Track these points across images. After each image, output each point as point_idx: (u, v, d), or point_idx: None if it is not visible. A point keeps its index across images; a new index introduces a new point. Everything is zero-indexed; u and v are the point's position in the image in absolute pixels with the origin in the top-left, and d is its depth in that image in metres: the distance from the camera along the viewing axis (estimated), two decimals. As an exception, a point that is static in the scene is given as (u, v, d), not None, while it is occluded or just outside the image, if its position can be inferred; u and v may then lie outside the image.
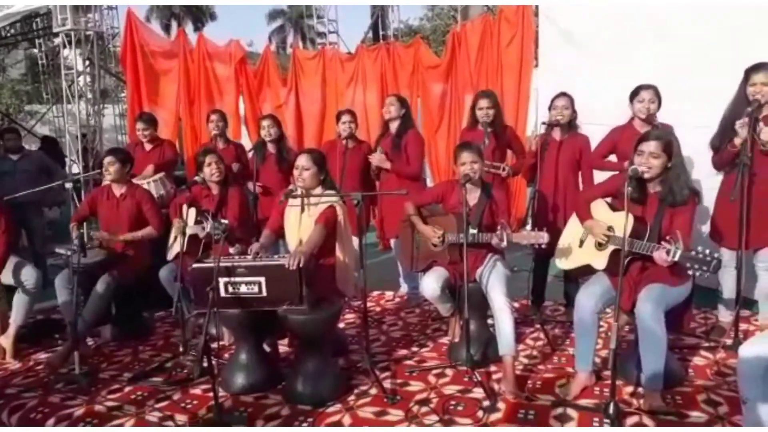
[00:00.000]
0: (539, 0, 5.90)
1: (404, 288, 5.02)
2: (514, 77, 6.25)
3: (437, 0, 19.35)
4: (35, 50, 15.22)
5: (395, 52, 6.99)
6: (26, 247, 5.67)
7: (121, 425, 2.96)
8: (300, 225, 3.48)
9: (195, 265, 3.22)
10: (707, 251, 2.57)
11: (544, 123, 4.07)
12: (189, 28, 28.96)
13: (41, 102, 16.25)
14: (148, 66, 7.34)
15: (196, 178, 4.04)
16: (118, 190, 4.19)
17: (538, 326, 3.99)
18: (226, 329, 3.88)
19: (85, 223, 4.28)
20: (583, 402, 2.97)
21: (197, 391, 3.30)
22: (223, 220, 3.47)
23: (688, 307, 3.09)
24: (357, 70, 7.18)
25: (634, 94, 3.86)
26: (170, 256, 4.17)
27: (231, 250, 3.67)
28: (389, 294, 5.07)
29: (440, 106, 6.78)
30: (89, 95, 8.29)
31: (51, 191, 5.23)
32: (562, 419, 2.83)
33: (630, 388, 3.07)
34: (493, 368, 3.41)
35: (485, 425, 2.80)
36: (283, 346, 3.80)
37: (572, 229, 3.36)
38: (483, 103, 4.24)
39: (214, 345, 3.42)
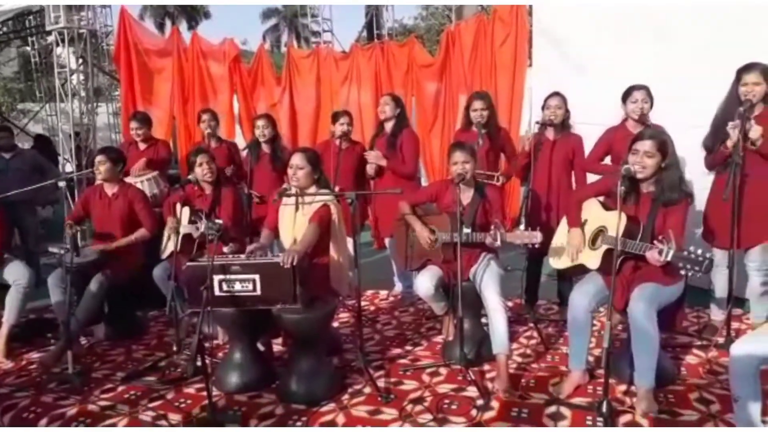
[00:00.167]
0: (533, 0, 5.92)
1: (399, 287, 5.02)
2: (507, 77, 6.28)
3: (432, 0, 19.34)
4: (28, 48, 15.11)
5: (389, 51, 7.00)
6: (19, 246, 5.64)
7: (114, 425, 2.95)
8: (294, 224, 3.48)
9: (189, 264, 3.22)
10: (699, 251, 2.58)
11: (537, 122, 4.08)
12: (183, 26, 28.92)
13: (34, 100, 16.17)
14: (142, 64, 7.32)
15: (190, 177, 4.03)
16: (110, 190, 4.18)
17: (531, 325, 4.00)
18: (220, 328, 3.88)
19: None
20: (576, 400, 2.98)
21: (191, 390, 3.29)
22: (217, 220, 3.46)
23: (680, 306, 3.10)
24: (351, 69, 7.19)
25: (627, 95, 3.87)
26: (164, 255, 4.16)
27: (225, 249, 3.67)
28: (383, 293, 5.07)
29: (434, 105, 6.80)
30: (82, 93, 8.23)
31: (44, 190, 5.20)
32: (556, 418, 2.84)
33: (623, 387, 3.08)
34: (486, 367, 3.42)
35: (479, 424, 2.81)
36: (278, 346, 3.80)
37: (565, 229, 3.37)
38: (477, 104, 4.25)
39: (208, 344, 3.41)
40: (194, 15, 31.98)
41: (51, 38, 8.68)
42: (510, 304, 4.40)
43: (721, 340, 3.51)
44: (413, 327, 4.24)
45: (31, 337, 4.17)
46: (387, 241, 4.83)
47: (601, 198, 3.22)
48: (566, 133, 4.11)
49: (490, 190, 3.57)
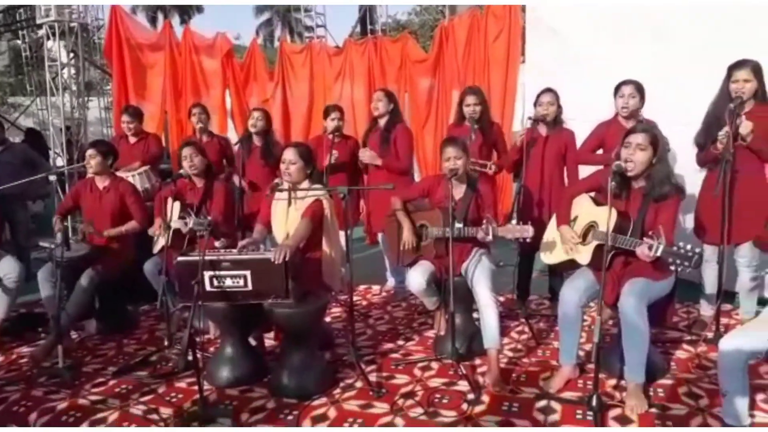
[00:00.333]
0: (527, 0, 5.92)
1: (391, 282, 5.03)
2: (500, 72, 6.28)
3: (425, 0, 19.32)
4: (19, 42, 15.00)
5: (382, 47, 6.99)
6: (9, 240, 5.61)
7: (104, 419, 2.94)
8: (287, 218, 3.47)
9: (180, 259, 3.21)
10: (688, 246, 2.59)
11: (530, 118, 4.09)
12: (176, 20, 28.72)
13: (25, 94, 16.06)
14: (135, 59, 7.27)
15: (181, 171, 4.01)
16: (101, 183, 4.16)
17: (523, 320, 4.02)
18: (211, 323, 3.87)
19: (69, 217, 4.23)
20: (566, 395, 3.00)
21: (182, 384, 3.29)
22: (206, 217, 3.46)
23: (670, 301, 3.12)
24: (344, 65, 7.17)
25: (616, 90, 3.89)
26: (155, 249, 4.15)
27: (216, 244, 3.66)
28: (376, 288, 5.08)
29: (427, 101, 6.80)
30: (73, 87, 8.18)
31: (35, 184, 5.17)
32: (546, 412, 2.85)
33: (613, 381, 3.10)
34: (477, 361, 3.43)
35: (470, 418, 2.82)
36: (270, 340, 3.80)
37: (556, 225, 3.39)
38: (470, 99, 4.25)
39: (199, 338, 3.40)
40: (187, 9, 31.80)
41: (42, 32, 8.63)
42: (501, 299, 4.39)
43: (710, 335, 3.53)
44: (405, 322, 4.25)
45: (22, 332, 4.15)
46: (380, 236, 4.83)
47: (592, 193, 3.23)
48: (558, 129, 4.13)
49: (482, 185, 3.57)
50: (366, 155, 4.57)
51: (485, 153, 4.37)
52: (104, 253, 4.01)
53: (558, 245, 3.34)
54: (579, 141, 4.13)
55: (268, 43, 29.17)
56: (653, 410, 2.81)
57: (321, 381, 3.20)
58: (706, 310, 3.88)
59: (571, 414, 2.82)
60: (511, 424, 2.76)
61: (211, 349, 3.73)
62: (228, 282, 3.14)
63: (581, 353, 3.30)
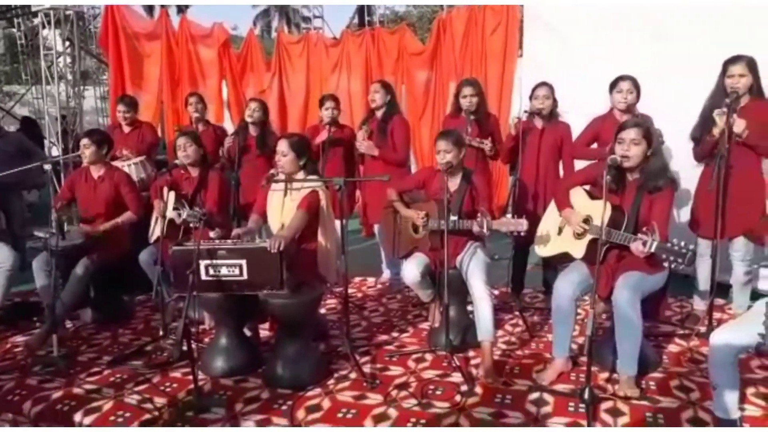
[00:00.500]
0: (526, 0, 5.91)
1: (386, 274, 5.04)
2: (498, 65, 6.29)
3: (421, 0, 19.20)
4: (14, 30, 14.87)
5: (380, 38, 6.97)
6: (4, 229, 5.58)
7: (99, 407, 2.95)
8: (283, 209, 3.47)
9: (175, 248, 3.21)
10: (683, 243, 2.61)
11: (526, 112, 4.09)
12: (172, 10, 28.48)
13: (20, 83, 15.94)
14: (131, 48, 7.24)
15: (176, 161, 4.00)
16: (96, 172, 4.15)
17: (517, 313, 4.04)
18: (206, 313, 3.88)
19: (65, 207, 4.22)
20: (559, 387, 3.02)
21: (177, 374, 3.30)
22: (199, 209, 3.45)
23: (663, 295, 3.14)
24: (342, 56, 7.15)
25: (613, 85, 3.90)
26: (152, 239, 4.15)
27: (211, 234, 3.66)
28: (371, 280, 5.09)
29: (424, 93, 6.80)
30: (69, 76, 8.15)
31: (30, 173, 5.14)
32: (539, 404, 2.87)
33: (606, 374, 3.12)
34: (471, 353, 3.45)
35: (463, 409, 2.83)
36: (264, 331, 3.80)
37: (551, 217, 3.40)
38: (467, 90, 4.25)
39: (194, 329, 3.41)
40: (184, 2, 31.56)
41: (37, 20, 8.57)
42: (496, 292, 4.43)
43: (702, 329, 3.55)
44: (400, 314, 4.26)
45: (16, 321, 4.16)
46: (376, 228, 4.83)
47: (587, 187, 3.24)
48: (554, 122, 4.13)
49: (478, 178, 3.57)
50: (363, 145, 4.57)
51: (481, 145, 4.37)
52: (99, 243, 4.00)
53: (552, 238, 3.35)
54: (575, 134, 4.13)
55: (266, 34, 28.99)
56: (645, 402, 2.83)
57: (315, 372, 3.21)
58: (700, 304, 3.90)
59: (564, 406, 2.83)
60: (504, 416, 2.78)
61: (206, 339, 3.74)
62: (224, 270, 3.14)
63: (574, 346, 3.31)
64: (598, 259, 2.78)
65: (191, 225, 3.56)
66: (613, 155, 2.93)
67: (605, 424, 2.69)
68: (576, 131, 4.14)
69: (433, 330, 3.75)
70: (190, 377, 2.93)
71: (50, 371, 3.35)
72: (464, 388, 3.03)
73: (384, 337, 3.81)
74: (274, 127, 5.98)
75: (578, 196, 3.23)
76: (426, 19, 18.92)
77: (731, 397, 2.39)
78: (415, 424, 2.74)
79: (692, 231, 3.78)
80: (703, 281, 3.82)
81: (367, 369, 3.29)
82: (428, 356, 3.44)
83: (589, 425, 2.65)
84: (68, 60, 8.24)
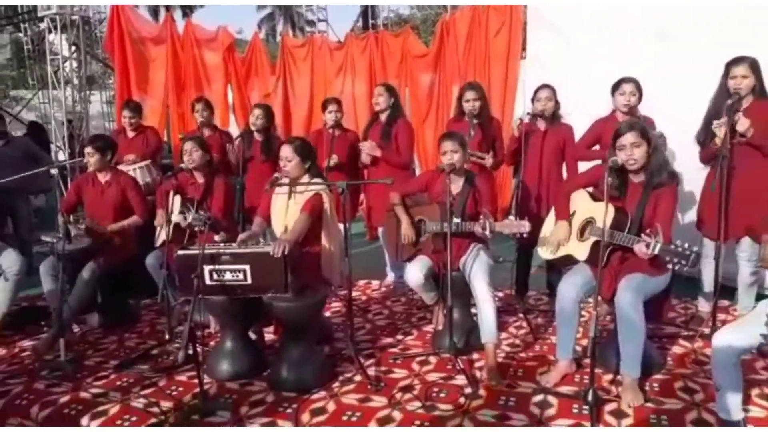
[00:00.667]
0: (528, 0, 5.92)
1: (391, 277, 5.05)
2: (501, 67, 6.30)
3: (425, 0, 19.24)
4: (21, 35, 15.01)
5: (384, 41, 7.00)
6: (11, 234, 5.64)
7: (105, 411, 2.97)
8: (286, 212, 3.50)
9: (180, 252, 3.24)
10: (686, 245, 2.60)
11: (528, 113, 4.10)
12: (178, 14, 28.60)
13: (27, 87, 16.07)
14: (137, 52, 7.28)
15: (182, 165, 4.03)
16: (102, 177, 4.19)
17: (521, 315, 4.04)
18: (211, 317, 3.90)
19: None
20: (563, 389, 3.02)
21: (183, 378, 3.32)
22: (204, 212, 3.48)
23: (667, 296, 3.14)
24: (346, 60, 7.18)
25: (616, 87, 3.90)
26: (158, 243, 4.17)
27: (216, 238, 3.68)
28: (376, 283, 5.10)
29: (428, 96, 6.81)
30: (75, 81, 8.21)
31: (37, 178, 5.19)
32: (542, 406, 2.88)
33: (609, 376, 3.12)
34: (475, 356, 3.45)
35: (467, 412, 2.84)
36: (269, 334, 3.82)
37: (554, 220, 3.40)
38: (469, 95, 4.26)
39: (200, 332, 3.43)
40: (189, 3, 31.70)
41: (43, 25, 8.64)
42: (500, 294, 4.45)
43: (707, 330, 3.55)
44: (404, 316, 4.27)
45: (24, 325, 4.18)
46: (380, 230, 4.85)
47: (590, 189, 3.24)
48: (557, 124, 4.14)
49: (481, 181, 3.58)
50: (366, 146, 4.59)
51: (485, 149, 4.38)
52: (106, 247, 4.03)
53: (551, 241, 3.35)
54: (578, 136, 4.14)
55: (271, 38, 29.09)
56: (649, 404, 2.83)
57: (320, 375, 3.22)
58: (704, 305, 3.90)
59: (568, 408, 2.84)
60: (508, 418, 2.79)
61: (212, 343, 3.76)
62: (228, 276, 3.16)
63: (578, 348, 3.31)
64: (600, 262, 2.79)
65: (196, 228, 3.58)
66: (614, 157, 2.93)
67: (609, 426, 2.69)
68: (580, 133, 4.15)
69: (436, 332, 3.76)
70: (196, 381, 2.95)
71: (57, 375, 3.38)
72: (468, 390, 3.04)
73: (388, 340, 3.82)
74: (279, 131, 6.00)
75: (581, 198, 3.24)
76: (430, 21, 18.93)
77: (734, 398, 2.39)
78: (419, 427, 2.75)
79: (699, 231, 3.78)
80: (708, 283, 3.81)
81: (371, 372, 3.30)
82: (432, 359, 3.45)
83: (592, 427, 2.66)
84: (74, 65, 8.30)
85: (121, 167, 4.57)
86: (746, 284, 3.79)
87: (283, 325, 3.44)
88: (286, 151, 3.46)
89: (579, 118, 4.23)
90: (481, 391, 3.03)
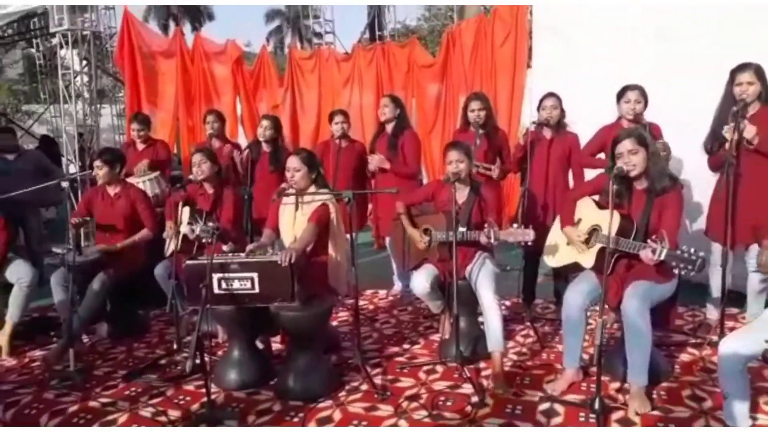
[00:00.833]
0: (534, 0, 5.94)
1: (398, 286, 5.06)
2: (507, 77, 6.30)
3: (432, 0, 19.37)
4: (33, 50, 15.22)
5: (390, 52, 7.04)
6: (23, 246, 5.70)
7: (114, 420, 3.00)
8: (294, 223, 3.52)
9: (189, 262, 3.27)
10: (692, 250, 2.60)
11: (533, 122, 4.12)
12: (187, 28, 28.94)
13: (39, 102, 16.27)
14: (147, 66, 7.38)
15: (191, 177, 4.07)
16: (112, 190, 4.23)
17: (528, 324, 4.03)
18: (219, 326, 3.92)
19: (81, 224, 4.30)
20: (569, 397, 3.01)
21: (190, 387, 3.34)
22: (212, 223, 3.51)
23: (673, 304, 3.13)
24: (353, 71, 7.22)
25: (621, 95, 3.91)
26: (167, 253, 4.21)
27: (224, 248, 3.71)
28: (383, 292, 5.11)
29: (435, 106, 6.83)
30: (86, 95, 8.31)
31: (48, 191, 5.25)
32: (549, 414, 2.87)
33: (616, 384, 3.11)
34: (482, 364, 3.45)
35: (473, 420, 2.84)
36: (276, 344, 3.84)
37: (560, 227, 3.40)
38: (474, 105, 4.28)
39: (207, 342, 3.45)
40: (198, 17, 32.06)
41: (55, 40, 8.76)
42: (507, 303, 4.45)
43: (715, 338, 3.52)
44: (411, 326, 4.28)
45: (34, 335, 4.23)
46: (387, 240, 4.87)
47: (596, 197, 3.25)
48: (563, 133, 4.15)
49: (486, 189, 3.59)
50: (374, 160, 4.61)
51: (491, 158, 4.39)
52: (116, 258, 4.07)
53: (561, 248, 3.35)
54: (583, 143, 4.14)
55: (279, 50, 29.34)
56: (656, 412, 2.82)
57: (326, 384, 3.23)
58: (712, 313, 3.88)
59: (574, 417, 2.83)
60: (514, 426, 2.78)
61: (220, 353, 3.78)
62: (236, 284, 3.19)
63: (585, 356, 3.30)
64: (606, 269, 2.79)
65: (204, 240, 3.61)
66: (619, 165, 2.94)
67: (616, 434, 2.69)
68: (585, 141, 4.15)
69: (443, 341, 3.76)
70: (204, 390, 2.97)
71: (67, 385, 3.41)
72: (475, 399, 3.03)
73: (395, 349, 3.83)
74: (287, 142, 6.04)
75: (586, 206, 3.24)
76: (437, 32, 19.03)
77: (741, 406, 2.38)
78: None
79: (706, 236, 3.77)
80: (716, 289, 3.79)
81: (378, 380, 3.31)
82: (439, 368, 3.46)
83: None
84: (85, 79, 8.40)
85: (130, 179, 4.62)
86: (756, 291, 3.75)
87: (290, 334, 3.45)
88: (293, 161, 3.49)
89: (585, 127, 4.23)
90: (488, 400, 3.02)
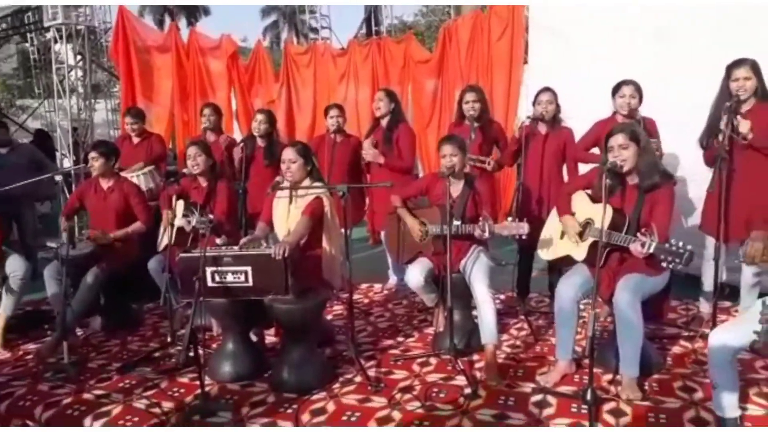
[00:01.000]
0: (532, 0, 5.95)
1: (393, 280, 5.07)
2: (504, 72, 6.30)
3: (428, 0, 19.35)
4: (27, 45, 15.17)
5: (386, 48, 7.03)
6: (17, 240, 5.69)
7: (108, 412, 3.00)
8: (288, 216, 3.53)
9: (182, 255, 3.28)
10: (680, 243, 2.62)
11: (528, 117, 4.12)
12: (182, 23, 28.86)
13: (33, 96, 16.23)
14: (142, 61, 7.36)
15: (185, 170, 4.07)
16: (105, 184, 4.22)
17: (522, 317, 4.05)
18: (214, 320, 3.93)
19: (75, 218, 4.30)
20: (562, 389, 3.03)
21: (184, 379, 3.34)
22: (209, 215, 3.51)
23: (666, 296, 3.15)
24: (349, 66, 7.22)
25: (616, 90, 3.92)
26: (160, 247, 4.21)
27: (218, 241, 3.71)
28: (378, 286, 5.12)
29: (432, 101, 6.83)
30: (81, 90, 8.29)
31: (42, 185, 5.25)
32: (541, 405, 2.88)
33: (609, 376, 3.13)
34: (476, 357, 3.47)
35: (466, 412, 2.85)
36: (270, 337, 3.85)
37: (554, 221, 3.42)
38: (469, 96, 4.29)
39: (201, 335, 3.45)
40: (194, 12, 31.95)
41: (49, 34, 8.73)
42: (502, 297, 4.47)
43: (707, 331, 3.52)
44: (406, 319, 4.29)
45: (28, 329, 4.22)
46: (382, 234, 4.87)
47: (589, 191, 3.26)
48: (558, 127, 4.16)
49: (480, 183, 3.61)
50: (369, 153, 4.62)
51: (485, 151, 4.41)
52: (109, 252, 4.06)
53: (555, 241, 3.37)
54: (577, 137, 4.15)
55: (275, 46, 29.25)
56: (647, 403, 2.84)
57: (320, 376, 3.24)
58: (705, 306, 3.90)
59: (566, 408, 2.85)
60: (506, 417, 2.80)
61: (214, 345, 3.78)
62: (229, 277, 3.20)
63: (578, 349, 3.31)
64: (598, 262, 2.80)
65: (200, 232, 3.61)
66: (612, 159, 2.95)
67: (607, 425, 2.70)
68: (580, 136, 4.16)
69: (437, 334, 3.77)
70: (198, 382, 2.97)
71: (61, 378, 3.41)
72: (468, 390, 3.05)
73: (389, 342, 3.84)
74: (282, 137, 6.04)
75: (580, 200, 3.26)
76: (434, 28, 18.99)
77: (730, 396, 2.40)
78: (418, 426, 2.76)
79: (701, 231, 3.79)
80: (709, 283, 3.80)
81: (372, 373, 3.32)
82: (433, 360, 3.46)
83: (591, 426, 2.66)
84: (80, 74, 8.39)
85: (124, 173, 4.61)
86: (749, 285, 3.78)
87: (284, 327, 3.46)
88: (289, 153, 3.49)
89: (581, 122, 4.24)
90: (481, 392, 3.04)
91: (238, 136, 6.67)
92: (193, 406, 3.02)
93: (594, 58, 5.02)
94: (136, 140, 5.27)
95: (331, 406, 2.97)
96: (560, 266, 3.92)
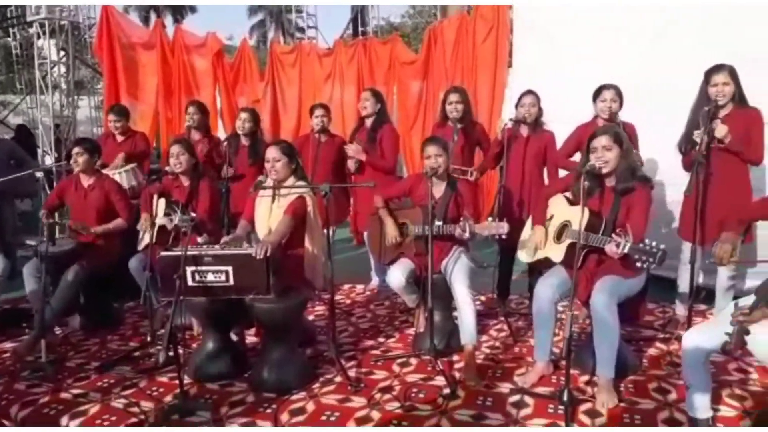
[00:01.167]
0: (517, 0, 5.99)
1: (375, 281, 5.08)
2: (488, 74, 6.34)
3: (415, 0, 19.40)
4: (9, 39, 14.97)
5: (372, 48, 7.05)
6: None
7: (85, 411, 2.98)
8: (270, 215, 3.53)
9: (163, 253, 3.26)
10: (654, 243, 2.65)
11: (511, 119, 4.16)
12: (168, 20, 28.64)
13: (15, 92, 16.03)
14: (127, 58, 7.31)
15: (167, 168, 4.05)
16: (86, 181, 4.19)
17: (502, 318, 4.08)
18: (194, 319, 3.91)
19: (56, 214, 4.26)
20: (539, 390, 3.06)
21: (164, 378, 3.33)
22: (191, 213, 3.50)
23: (642, 298, 3.19)
24: (334, 66, 7.22)
25: (597, 94, 3.96)
26: (140, 246, 4.19)
27: (199, 240, 3.70)
28: (360, 287, 5.13)
29: (417, 102, 6.86)
30: (64, 86, 8.22)
31: (22, 182, 5.18)
32: (519, 406, 2.91)
33: (586, 377, 3.17)
34: (455, 357, 3.49)
35: (444, 411, 2.87)
36: (251, 337, 3.84)
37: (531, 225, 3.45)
38: (452, 97, 4.31)
39: (181, 334, 3.45)
40: (180, 9, 31.75)
41: (32, 29, 8.64)
42: (483, 298, 4.50)
43: (682, 333, 3.58)
44: (387, 320, 4.30)
45: (6, 327, 4.18)
46: (365, 234, 4.88)
47: (568, 193, 3.29)
48: (540, 130, 4.19)
49: (462, 185, 3.63)
50: (351, 149, 4.63)
51: (467, 153, 4.45)
52: (90, 249, 4.04)
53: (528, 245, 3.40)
54: (560, 142, 4.19)
55: (262, 45, 29.14)
56: (622, 404, 2.88)
57: (300, 376, 3.24)
58: (681, 309, 3.95)
59: (543, 408, 2.88)
60: (484, 418, 2.82)
61: (194, 345, 3.77)
62: (210, 277, 3.19)
63: (556, 350, 3.36)
64: (576, 263, 2.83)
65: (183, 230, 3.60)
66: (591, 162, 2.99)
67: (583, 425, 2.74)
68: (562, 139, 4.20)
69: (418, 335, 3.79)
70: (177, 382, 2.96)
71: (38, 376, 3.38)
72: (447, 390, 3.07)
73: (370, 342, 3.85)
74: (267, 137, 6.03)
75: (558, 203, 3.29)
76: (420, 30, 19.03)
77: (703, 397, 2.45)
78: (396, 426, 2.78)
79: (678, 235, 3.84)
80: (685, 287, 3.86)
81: (352, 373, 3.33)
82: (413, 360, 3.48)
83: (567, 426, 2.70)
84: (63, 70, 8.31)
85: (106, 171, 4.58)
86: (724, 288, 3.83)
87: (264, 326, 3.46)
88: (272, 152, 3.49)
89: (564, 126, 4.26)
90: (460, 392, 3.06)
91: (222, 134, 6.64)
92: (171, 405, 3.01)
93: (579, 58, 5.07)
94: (119, 138, 5.23)
95: (310, 406, 2.98)
96: (540, 268, 3.96)
